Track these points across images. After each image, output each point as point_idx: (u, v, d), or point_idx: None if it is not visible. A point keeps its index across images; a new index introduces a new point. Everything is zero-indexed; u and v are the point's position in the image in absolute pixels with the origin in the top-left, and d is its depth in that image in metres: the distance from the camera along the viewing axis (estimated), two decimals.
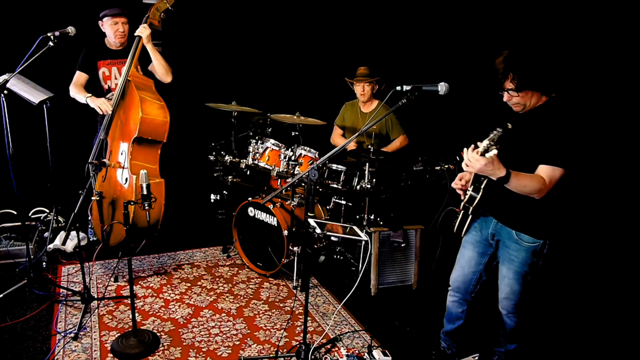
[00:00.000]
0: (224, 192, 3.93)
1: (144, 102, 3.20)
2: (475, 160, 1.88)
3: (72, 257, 3.73)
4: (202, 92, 4.53)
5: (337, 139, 4.24)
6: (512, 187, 1.98)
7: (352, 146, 3.86)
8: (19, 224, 3.49)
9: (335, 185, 3.56)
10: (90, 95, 3.42)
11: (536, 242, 2.15)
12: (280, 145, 3.70)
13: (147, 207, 2.60)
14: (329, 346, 2.78)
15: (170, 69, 3.56)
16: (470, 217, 2.30)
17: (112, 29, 3.46)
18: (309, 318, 2.94)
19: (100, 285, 3.35)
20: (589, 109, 3.10)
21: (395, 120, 3.98)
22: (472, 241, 2.40)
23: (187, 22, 4.67)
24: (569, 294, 3.35)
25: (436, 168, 3.17)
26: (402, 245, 3.40)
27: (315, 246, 3.65)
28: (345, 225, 3.23)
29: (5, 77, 2.81)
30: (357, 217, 3.59)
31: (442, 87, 2.19)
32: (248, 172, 3.85)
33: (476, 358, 2.58)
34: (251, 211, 3.62)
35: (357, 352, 2.64)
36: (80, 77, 3.55)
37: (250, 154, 3.75)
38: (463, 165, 1.96)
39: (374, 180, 3.48)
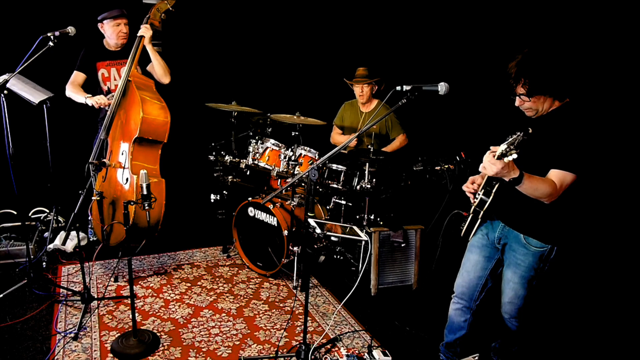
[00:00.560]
0: (224, 192, 3.93)
1: (145, 102, 3.20)
2: (492, 163, 1.87)
3: (72, 257, 3.73)
4: (202, 92, 4.53)
5: (337, 137, 4.24)
6: (523, 189, 1.96)
7: (352, 144, 3.87)
8: (19, 224, 3.50)
9: (335, 185, 3.56)
10: (90, 95, 3.41)
11: (544, 247, 2.12)
12: (280, 145, 3.70)
13: (147, 207, 2.60)
14: (329, 346, 2.78)
15: (169, 71, 3.57)
16: (479, 220, 2.24)
17: (114, 31, 3.46)
18: (309, 318, 2.94)
19: (100, 285, 3.35)
20: (602, 114, 3.09)
21: (395, 119, 3.98)
22: (479, 245, 2.36)
23: (187, 23, 4.67)
24: (573, 298, 3.35)
25: (436, 168, 3.17)
26: (402, 245, 3.40)
27: (315, 246, 3.65)
28: (345, 225, 3.23)
29: (5, 77, 2.81)
30: (357, 217, 3.59)
31: (442, 87, 2.19)
32: (248, 172, 3.85)
33: (476, 358, 2.58)
34: (251, 211, 3.62)
35: (357, 352, 2.64)
36: (77, 76, 3.54)
37: (250, 154, 3.75)
38: (480, 168, 1.94)
39: (374, 180, 3.48)
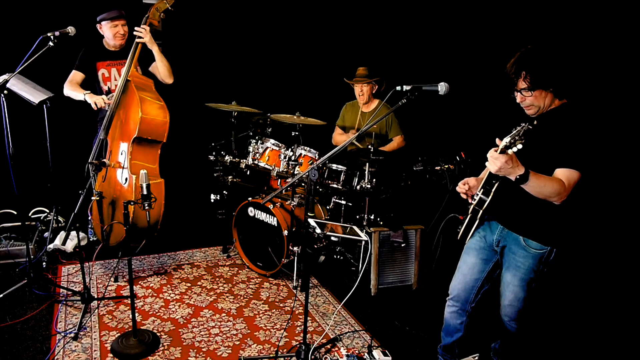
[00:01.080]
0: (224, 192, 3.93)
1: (144, 102, 3.20)
2: (495, 158, 1.83)
3: (72, 257, 3.73)
4: (202, 92, 4.53)
5: (339, 138, 4.24)
6: (530, 187, 1.91)
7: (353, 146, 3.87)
8: (19, 224, 3.50)
9: (335, 185, 3.56)
10: (89, 92, 3.41)
11: (544, 248, 2.11)
12: (280, 145, 3.70)
13: (147, 207, 2.60)
14: (329, 346, 2.78)
15: (172, 71, 3.57)
16: (477, 221, 2.23)
17: (111, 32, 3.45)
18: (309, 318, 2.94)
19: (100, 285, 3.35)
20: (605, 113, 3.09)
21: (394, 120, 3.98)
22: (476, 247, 2.34)
23: (187, 22, 4.67)
24: (572, 299, 3.34)
25: (436, 168, 3.17)
26: (402, 245, 3.40)
27: (315, 246, 3.65)
28: (345, 225, 3.23)
29: (5, 77, 2.81)
30: (357, 217, 3.59)
31: (442, 87, 2.19)
32: (248, 172, 3.85)
33: (476, 358, 2.58)
34: (251, 211, 3.62)
35: (357, 352, 2.64)
36: (76, 75, 3.54)
37: (250, 154, 3.75)
38: (487, 164, 1.89)
39: (374, 180, 3.48)
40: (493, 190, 2.13)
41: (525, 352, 2.48)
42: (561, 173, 1.96)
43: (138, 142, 3.22)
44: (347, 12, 5.10)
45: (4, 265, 3.48)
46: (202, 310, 3.09)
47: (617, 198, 3.37)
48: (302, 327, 2.55)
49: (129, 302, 2.66)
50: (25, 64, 2.85)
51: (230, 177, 3.85)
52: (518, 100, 2.06)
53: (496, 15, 4.02)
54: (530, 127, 1.80)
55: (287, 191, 3.58)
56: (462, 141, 3.63)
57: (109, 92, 3.56)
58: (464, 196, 2.26)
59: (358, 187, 3.51)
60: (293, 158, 3.62)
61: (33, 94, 2.96)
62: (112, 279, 3.40)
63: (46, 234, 3.78)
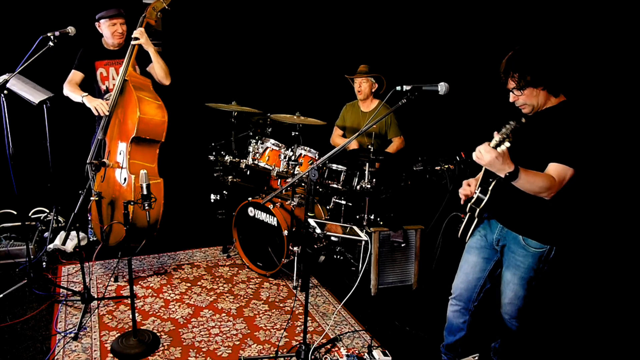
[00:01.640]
0: (224, 192, 3.93)
1: (142, 102, 3.20)
2: (486, 151, 1.83)
3: (72, 257, 3.73)
4: (202, 92, 4.53)
5: (337, 139, 4.24)
6: (520, 184, 1.92)
7: (353, 145, 3.87)
8: (19, 224, 3.50)
9: (335, 185, 3.55)
10: (87, 94, 3.40)
11: (543, 247, 2.11)
12: (280, 145, 3.70)
13: (147, 207, 2.60)
14: (329, 346, 2.78)
15: (169, 72, 3.55)
16: (476, 220, 2.25)
17: (109, 31, 3.45)
18: (309, 318, 2.94)
19: (100, 285, 3.35)
20: (601, 111, 3.08)
21: (394, 120, 3.98)
22: (477, 247, 2.34)
23: (187, 22, 4.67)
24: (573, 297, 3.34)
25: (436, 168, 3.16)
26: (402, 245, 3.40)
27: (315, 246, 3.65)
28: (345, 225, 3.22)
29: (5, 77, 2.81)
30: (357, 217, 3.59)
31: (442, 87, 2.19)
32: (248, 172, 3.85)
33: (476, 358, 2.58)
34: (251, 211, 3.62)
35: (357, 352, 2.64)
36: (75, 75, 3.53)
37: (250, 154, 3.75)
38: (473, 156, 1.89)
39: (374, 180, 3.48)
40: (490, 188, 2.14)
41: (525, 351, 2.48)
42: (552, 168, 1.97)
43: (136, 141, 3.22)
44: (348, 12, 5.10)
45: (4, 265, 3.48)
46: (202, 310, 3.09)
47: (615, 196, 3.36)
48: (302, 327, 2.55)
49: (129, 302, 2.66)
50: (25, 64, 2.85)
51: (230, 177, 3.85)
52: (511, 100, 2.08)
53: (496, 15, 4.02)
54: (518, 126, 1.81)
55: (287, 191, 3.58)
56: (462, 141, 3.62)
57: (107, 91, 3.56)
58: (462, 197, 2.27)
59: (358, 187, 3.51)
60: (293, 158, 3.62)
61: (33, 94, 2.96)
62: (112, 279, 3.40)
63: (46, 234, 3.78)
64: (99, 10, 3.45)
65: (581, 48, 3.33)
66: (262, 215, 3.53)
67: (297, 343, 2.73)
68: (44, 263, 3.46)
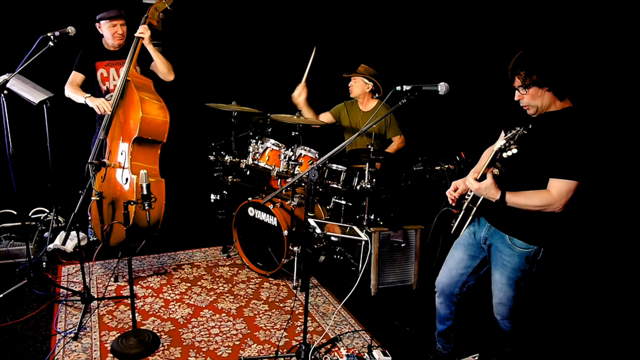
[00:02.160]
0: (224, 192, 3.93)
1: (144, 102, 3.20)
2: (469, 183, 2.08)
3: (72, 257, 3.73)
4: (202, 92, 4.53)
5: (322, 117, 4.16)
6: (511, 205, 2.02)
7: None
8: (19, 224, 3.50)
9: (335, 185, 3.55)
10: (89, 95, 3.41)
11: (529, 247, 2.12)
12: (280, 145, 3.70)
13: (147, 207, 2.60)
14: (329, 346, 2.78)
15: (172, 67, 3.57)
16: (470, 217, 2.26)
17: (110, 32, 3.45)
18: (309, 318, 2.94)
19: (100, 285, 3.35)
20: (606, 119, 3.06)
21: (393, 120, 3.98)
22: (465, 243, 2.38)
23: (187, 22, 4.67)
24: (567, 299, 3.34)
25: (436, 168, 3.17)
26: (402, 245, 3.40)
27: (315, 246, 3.65)
28: (345, 225, 3.22)
29: (5, 77, 2.81)
30: (357, 217, 3.59)
31: (442, 87, 2.19)
32: (248, 172, 3.84)
33: (476, 358, 2.58)
34: (251, 211, 3.62)
35: (357, 352, 2.64)
36: (76, 77, 3.54)
37: (250, 154, 3.75)
38: (467, 183, 2.09)
39: (374, 180, 3.48)
40: None
41: (521, 351, 2.49)
42: (551, 184, 1.99)
43: (138, 142, 3.22)
44: (348, 12, 5.10)
45: (4, 265, 3.48)
46: (202, 310, 3.09)
47: (609, 199, 3.35)
48: (302, 327, 2.55)
49: (129, 302, 2.66)
50: (25, 64, 2.85)
51: (230, 177, 3.85)
52: (516, 98, 2.07)
53: (496, 15, 4.02)
54: (525, 132, 1.86)
55: (287, 191, 3.58)
56: (462, 141, 3.63)
57: (107, 92, 3.56)
58: (450, 199, 2.30)
59: (358, 187, 3.51)
60: (293, 158, 3.62)
61: (33, 94, 2.96)
62: (112, 279, 3.40)
63: (46, 234, 3.78)
64: (99, 10, 3.45)
65: (590, 53, 3.29)
66: (262, 215, 3.53)
67: (297, 343, 2.73)
68: (44, 263, 3.46)
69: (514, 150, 1.82)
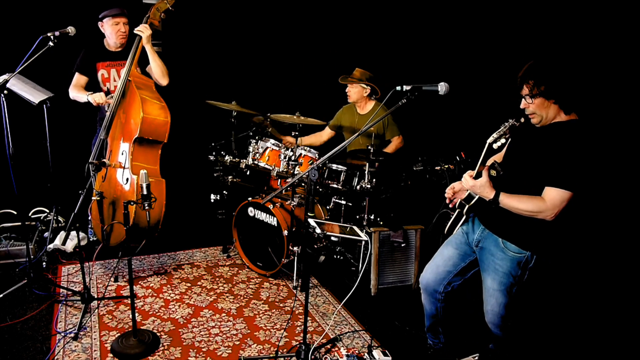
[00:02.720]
0: (224, 192, 3.93)
1: (145, 102, 3.20)
2: (465, 180, 2.11)
3: (72, 257, 3.73)
4: (202, 93, 4.52)
5: (324, 136, 4.28)
6: (505, 207, 2.04)
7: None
8: (19, 224, 3.50)
9: (335, 185, 3.56)
10: (91, 92, 3.41)
11: (522, 252, 2.12)
12: (280, 145, 3.70)
13: (147, 207, 2.60)
14: (329, 346, 2.78)
15: (167, 72, 3.53)
16: (464, 217, 2.29)
17: (112, 30, 3.45)
18: (309, 318, 2.94)
19: (100, 285, 3.35)
20: (609, 134, 3.03)
21: (392, 121, 3.97)
22: (456, 242, 2.39)
23: (187, 22, 4.67)
24: (559, 307, 3.32)
25: (436, 168, 3.17)
26: (402, 245, 3.40)
27: (315, 246, 3.65)
28: (345, 225, 3.23)
29: (5, 77, 2.81)
30: (357, 217, 3.59)
31: (442, 87, 2.19)
32: (248, 172, 3.85)
33: (476, 358, 2.58)
34: (251, 211, 3.62)
35: (357, 352, 2.65)
36: (80, 79, 3.54)
37: (250, 154, 3.75)
38: (463, 181, 2.11)
39: (374, 180, 3.48)
40: None
41: (518, 355, 2.49)
42: (546, 192, 2.00)
43: (139, 142, 3.22)
44: (348, 12, 5.10)
45: (4, 265, 3.48)
46: (202, 310, 3.09)
47: (607, 214, 3.32)
48: (302, 327, 2.55)
49: (129, 302, 2.66)
50: (25, 64, 2.85)
51: (230, 177, 3.85)
52: (522, 106, 2.08)
53: (496, 15, 4.02)
54: (517, 124, 1.94)
55: (287, 191, 3.58)
56: (462, 141, 3.62)
57: (108, 92, 3.55)
58: (448, 201, 2.33)
59: (358, 187, 3.51)
60: (293, 158, 3.62)
61: (33, 94, 2.96)
62: (112, 279, 3.40)
63: (46, 234, 3.78)
64: (99, 10, 3.45)
65: (587, 60, 3.28)
66: (262, 215, 3.53)
67: (297, 343, 2.73)
68: (44, 263, 3.46)
69: (503, 141, 1.86)
